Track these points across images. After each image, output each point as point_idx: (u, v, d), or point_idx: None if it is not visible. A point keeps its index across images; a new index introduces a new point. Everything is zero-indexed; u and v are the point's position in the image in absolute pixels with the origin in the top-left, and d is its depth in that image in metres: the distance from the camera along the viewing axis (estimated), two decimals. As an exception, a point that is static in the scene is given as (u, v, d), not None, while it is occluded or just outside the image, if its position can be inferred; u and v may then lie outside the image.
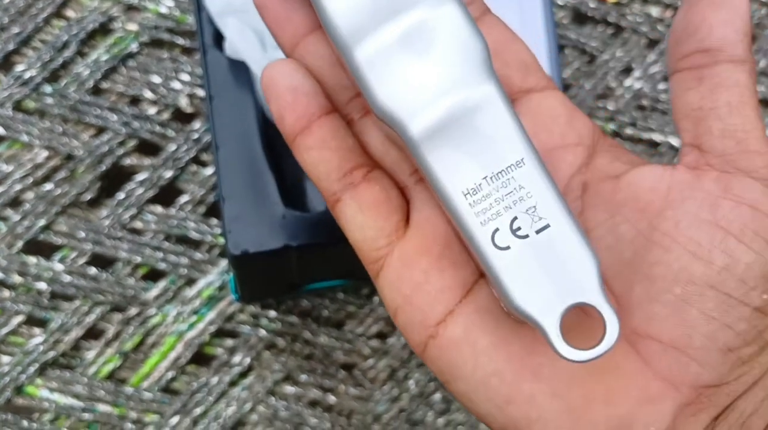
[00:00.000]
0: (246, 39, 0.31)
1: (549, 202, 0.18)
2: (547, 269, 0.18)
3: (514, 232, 0.18)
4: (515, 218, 0.18)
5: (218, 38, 0.33)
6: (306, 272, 0.32)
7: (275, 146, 0.31)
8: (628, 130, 0.40)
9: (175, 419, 0.36)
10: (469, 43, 0.18)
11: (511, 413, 0.19)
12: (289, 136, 0.20)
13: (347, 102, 0.20)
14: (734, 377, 0.18)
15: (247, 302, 0.36)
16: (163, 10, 0.40)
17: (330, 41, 0.19)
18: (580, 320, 0.18)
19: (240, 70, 0.32)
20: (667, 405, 0.18)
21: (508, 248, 0.18)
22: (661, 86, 0.40)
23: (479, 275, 0.20)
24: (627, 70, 0.41)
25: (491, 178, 0.18)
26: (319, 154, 0.20)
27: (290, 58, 0.20)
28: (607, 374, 0.19)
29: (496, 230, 0.18)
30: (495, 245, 0.18)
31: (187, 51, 0.40)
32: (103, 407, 0.35)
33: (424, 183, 0.20)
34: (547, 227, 0.18)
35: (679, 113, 0.20)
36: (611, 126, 0.40)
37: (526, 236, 0.18)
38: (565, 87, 0.40)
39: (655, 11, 0.41)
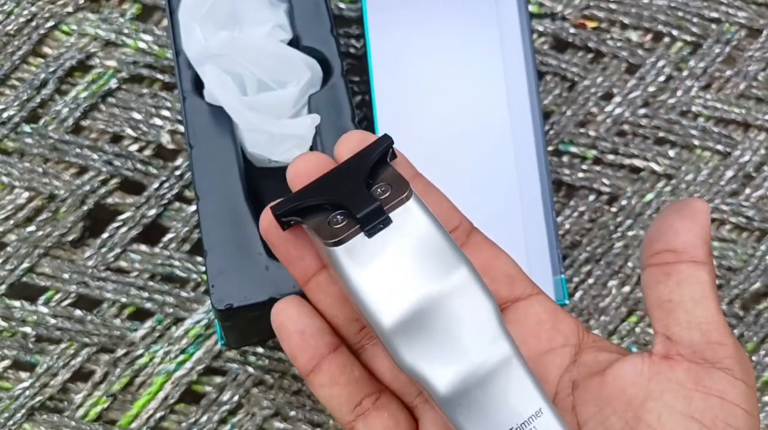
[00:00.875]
0: (224, 85, 0.31)
1: None
2: None
3: None
4: None
5: (198, 83, 0.32)
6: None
7: (258, 193, 0.31)
8: (610, 157, 0.40)
9: (165, 459, 0.36)
10: (482, 306, 0.21)
11: None
12: (302, 374, 0.23)
13: (356, 333, 0.23)
14: None
15: (234, 349, 0.36)
16: (142, 45, 0.40)
17: (339, 282, 0.21)
18: None
19: (221, 116, 0.31)
20: None
21: None
22: (642, 111, 0.41)
23: None
24: (607, 96, 0.41)
25: (516, 429, 0.20)
26: (330, 391, 0.22)
27: (304, 290, 0.23)
28: None
29: None
30: None
31: (167, 86, 0.40)
32: (92, 450, 0.36)
33: (431, 403, 0.22)
34: None
35: (651, 304, 0.22)
36: (593, 152, 0.40)
37: None
38: (546, 114, 0.40)
39: (634, 36, 0.42)
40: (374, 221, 0.20)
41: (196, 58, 0.32)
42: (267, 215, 0.22)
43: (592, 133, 0.40)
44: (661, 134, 0.40)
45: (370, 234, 0.20)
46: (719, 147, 0.40)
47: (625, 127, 0.40)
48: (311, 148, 0.32)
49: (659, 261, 0.22)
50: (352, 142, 0.22)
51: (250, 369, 0.37)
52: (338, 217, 0.21)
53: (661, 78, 0.41)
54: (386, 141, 0.22)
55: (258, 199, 0.32)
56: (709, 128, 0.41)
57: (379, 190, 0.21)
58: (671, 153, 0.40)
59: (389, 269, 0.20)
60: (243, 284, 0.29)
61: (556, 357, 0.22)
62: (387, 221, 0.21)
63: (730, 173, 0.40)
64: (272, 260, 0.30)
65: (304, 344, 0.22)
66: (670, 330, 0.22)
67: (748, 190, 0.40)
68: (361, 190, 0.21)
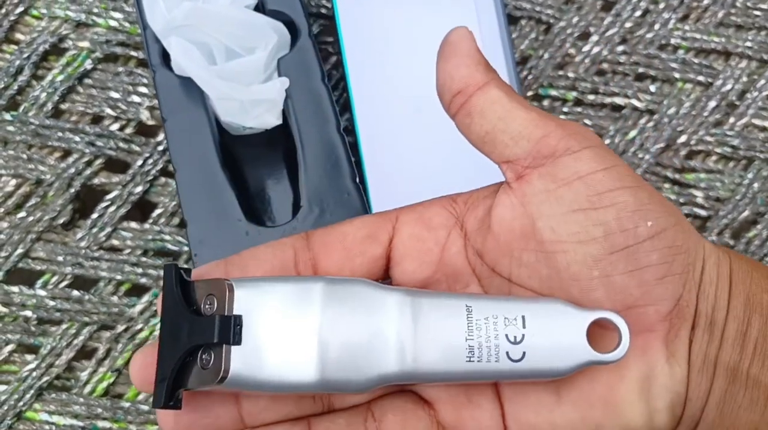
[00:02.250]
0: (190, 56, 0.31)
1: (509, 308, 0.21)
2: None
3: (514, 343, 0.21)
4: (507, 336, 0.21)
5: (166, 56, 0.32)
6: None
7: (234, 161, 0.32)
8: (590, 97, 0.40)
9: (173, 428, 0.37)
10: (361, 287, 0.21)
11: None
12: None
13: (312, 403, 0.23)
14: (685, 291, 0.22)
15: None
16: (113, 23, 0.40)
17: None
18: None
19: (191, 87, 0.31)
20: (658, 346, 0.22)
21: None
22: (620, 48, 0.40)
23: None
24: (584, 36, 0.40)
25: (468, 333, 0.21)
26: None
27: None
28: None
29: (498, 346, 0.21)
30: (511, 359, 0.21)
31: (142, 63, 0.40)
32: (102, 424, 0.37)
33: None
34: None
35: (478, 145, 0.23)
36: (573, 94, 0.40)
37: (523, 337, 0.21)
38: (524, 59, 0.40)
39: (608, -29, 0.41)
40: (229, 332, 0.20)
41: (161, 31, 0.32)
42: (165, 418, 0.22)
43: (571, 74, 0.40)
44: (640, 70, 0.40)
45: (237, 343, 0.20)
46: (701, 78, 0.40)
47: (604, 65, 0.40)
48: (283, 112, 0.32)
49: (456, 108, 0.23)
50: (143, 359, 0.22)
51: (248, 335, 0.37)
52: (203, 357, 0.20)
53: (638, 13, 0.40)
54: (170, 271, 0.21)
55: (235, 167, 0.32)
56: (690, 60, 0.40)
57: (206, 306, 0.21)
58: (652, 88, 0.40)
59: (278, 346, 0.20)
60: (224, 250, 0.29)
61: (452, 247, 0.23)
62: (238, 321, 0.20)
63: (713, 104, 0.40)
64: (252, 224, 0.30)
65: None
66: (504, 155, 0.22)
67: (732, 119, 0.40)
68: (195, 322, 0.20)
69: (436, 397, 0.23)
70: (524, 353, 0.21)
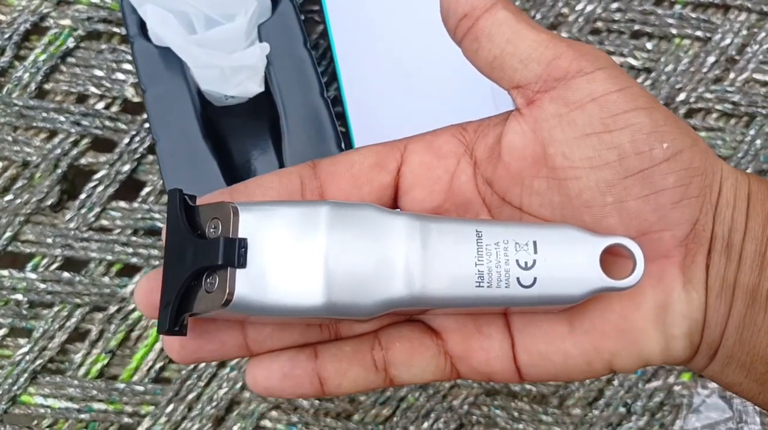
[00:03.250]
0: (168, 25, 0.30)
1: (520, 233, 0.21)
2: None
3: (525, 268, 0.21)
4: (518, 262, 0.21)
5: (143, 26, 0.32)
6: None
7: (218, 130, 0.31)
8: (585, 57, 0.39)
9: (170, 407, 0.36)
10: (366, 211, 0.21)
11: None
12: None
13: (320, 331, 0.23)
14: (701, 215, 0.21)
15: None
16: (94, 0, 0.39)
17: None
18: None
19: (171, 57, 0.31)
20: (675, 272, 0.21)
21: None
22: (614, 6, 0.39)
23: None
24: (577, -6, 0.39)
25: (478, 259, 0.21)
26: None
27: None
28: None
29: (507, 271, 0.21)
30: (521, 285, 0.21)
31: (125, 39, 0.39)
32: (98, 406, 0.36)
33: None
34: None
35: (485, 71, 0.22)
36: (567, 55, 0.39)
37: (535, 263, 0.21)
38: (516, 21, 0.39)
39: (600, -73, 0.40)
40: (234, 254, 0.20)
41: (138, 0, 0.31)
42: (171, 344, 0.21)
43: (565, 34, 0.39)
44: (636, 27, 0.39)
45: (242, 265, 0.20)
46: (698, 33, 0.39)
47: (599, 24, 0.39)
48: (266, 80, 0.31)
49: (462, 33, 0.22)
50: (148, 284, 0.21)
51: (242, 311, 0.37)
52: (207, 281, 0.20)
53: (632, -32, 0.39)
54: (175, 195, 0.21)
55: (218, 138, 0.31)
56: (687, 15, 0.39)
57: (211, 230, 0.20)
58: (649, 45, 0.39)
59: (283, 269, 0.20)
60: (207, 222, 0.29)
61: (461, 175, 0.22)
62: (243, 244, 0.20)
63: (711, 59, 0.38)
64: (235, 195, 0.29)
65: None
66: (514, 80, 0.21)
67: (732, 75, 0.39)
68: (200, 245, 0.20)
69: (444, 327, 0.22)
70: (535, 279, 0.20)
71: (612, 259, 0.21)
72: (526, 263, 0.20)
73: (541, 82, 0.21)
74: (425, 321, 0.23)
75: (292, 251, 0.20)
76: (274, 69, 0.31)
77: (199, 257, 0.20)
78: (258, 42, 0.31)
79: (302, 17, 0.33)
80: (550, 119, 0.21)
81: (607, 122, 0.21)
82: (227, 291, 0.20)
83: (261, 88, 0.31)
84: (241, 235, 0.20)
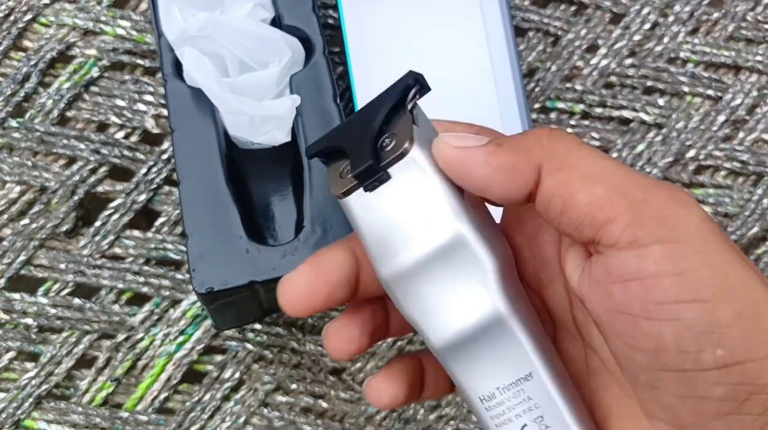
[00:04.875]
0: (202, 68, 0.30)
1: (555, 414, 0.20)
2: None
3: None
4: (525, 426, 0.20)
5: (179, 66, 0.32)
6: (276, 301, 0.32)
7: (240, 176, 0.31)
8: (598, 110, 0.39)
9: (172, 439, 0.36)
10: (479, 265, 0.20)
11: None
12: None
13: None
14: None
15: (223, 330, 0.36)
16: (120, 31, 0.40)
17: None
18: None
19: (202, 98, 0.31)
20: None
21: None
22: (628, 61, 0.40)
23: None
24: (592, 48, 0.40)
25: (503, 388, 0.20)
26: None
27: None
28: None
29: None
30: None
31: (148, 71, 0.40)
32: (101, 434, 0.36)
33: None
34: None
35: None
36: (580, 107, 0.39)
37: None
38: (531, 71, 0.40)
39: (616, -16, 0.41)
40: (370, 178, 0.20)
41: (176, 40, 0.32)
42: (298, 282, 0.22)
43: (578, 87, 0.40)
44: (649, 83, 0.40)
45: (368, 189, 0.20)
46: (710, 92, 0.40)
47: (612, 78, 0.40)
48: (292, 129, 0.32)
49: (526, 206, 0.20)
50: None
51: (249, 346, 0.37)
52: (347, 167, 0.21)
53: (647, 26, 0.40)
54: (406, 80, 0.20)
55: (240, 182, 0.32)
56: (699, 74, 0.40)
57: (384, 141, 0.20)
58: (661, 102, 0.39)
59: (387, 224, 0.20)
60: (223, 267, 0.29)
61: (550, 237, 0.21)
62: (384, 177, 0.20)
63: (722, 118, 0.39)
64: (252, 242, 0.30)
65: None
66: (576, 240, 0.19)
67: (741, 134, 0.39)
68: (364, 143, 0.20)
69: None
70: None
71: None
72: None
73: (593, 245, 0.19)
74: None
75: (400, 223, 0.21)
76: (303, 120, 0.31)
77: (353, 150, 0.20)
78: (288, 92, 0.32)
79: (335, 72, 0.34)
80: (586, 278, 0.19)
81: (650, 309, 0.17)
82: (344, 191, 0.20)
83: (288, 138, 0.31)
84: (393, 170, 0.20)
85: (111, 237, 0.38)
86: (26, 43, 0.40)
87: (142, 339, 0.37)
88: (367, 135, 0.20)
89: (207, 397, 0.37)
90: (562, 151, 0.19)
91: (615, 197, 0.18)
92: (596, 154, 0.19)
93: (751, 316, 0.17)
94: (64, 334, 0.37)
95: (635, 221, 0.18)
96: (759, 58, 0.40)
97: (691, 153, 0.39)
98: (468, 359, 0.21)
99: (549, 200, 0.19)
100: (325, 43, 0.33)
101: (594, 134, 0.39)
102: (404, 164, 0.20)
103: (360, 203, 0.20)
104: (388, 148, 0.20)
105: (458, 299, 0.20)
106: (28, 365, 0.37)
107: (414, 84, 0.21)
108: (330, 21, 0.40)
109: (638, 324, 0.18)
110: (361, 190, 0.20)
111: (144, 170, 0.39)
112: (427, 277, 0.20)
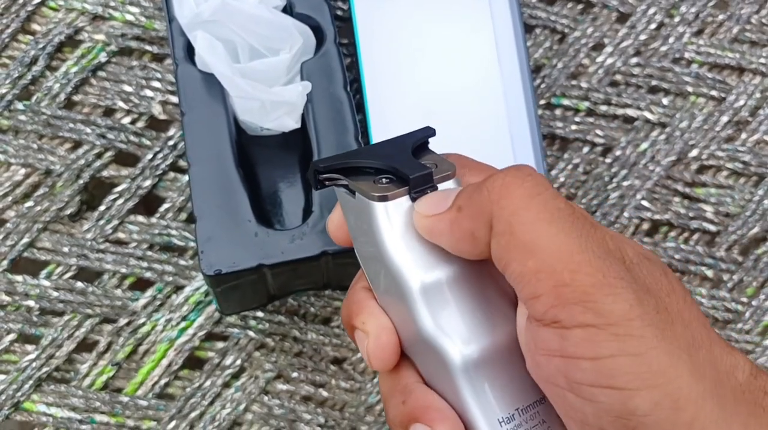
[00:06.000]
0: (215, 52, 0.30)
1: None
2: None
3: None
4: None
5: (190, 50, 0.32)
6: (283, 286, 0.32)
7: (250, 160, 0.31)
8: (602, 108, 0.40)
9: (172, 424, 0.36)
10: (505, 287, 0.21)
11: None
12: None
13: None
14: None
15: (228, 315, 0.37)
16: (129, 17, 0.40)
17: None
18: None
19: (213, 83, 0.31)
20: None
21: None
22: (634, 60, 0.40)
23: None
24: (598, 47, 0.40)
25: (522, 410, 0.21)
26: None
27: None
28: None
29: None
30: None
31: (156, 57, 0.40)
32: (100, 418, 0.36)
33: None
34: None
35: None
36: (585, 104, 0.40)
37: None
38: (537, 68, 0.40)
39: (624, -16, 0.41)
40: (423, 186, 0.21)
41: (188, 25, 0.32)
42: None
43: (584, 84, 0.40)
44: (654, 83, 0.40)
45: (414, 199, 0.21)
46: (713, 93, 0.40)
47: (618, 77, 0.40)
48: (302, 116, 0.32)
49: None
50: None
51: (251, 333, 0.37)
52: (383, 179, 0.21)
53: (653, 26, 0.41)
54: (429, 131, 0.23)
55: (249, 167, 0.32)
56: (703, 74, 0.40)
57: (426, 164, 0.22)
58: (665, 101, 0.40)
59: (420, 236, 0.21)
60: (232, 250, 0.29)
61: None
62: (433, 189, 0.21)
63: (725, 119, 0.40)
64: (261, 226, 0.30)
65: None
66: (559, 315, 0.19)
67: (744, 135, 0.40)
68: (411, 159, 0.22)
69: None
70: None
71: None
72: None
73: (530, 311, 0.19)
74: None
75: None
76: (313, 107, 0.31)
77: (400, 162, 0.21)
78: (299, 78, 0.32)
79: (345, 60, 0.34)
80: (525, 345, 0.20)
81: (573, 386, 0.18)
82: (385, 195, 0.21)
83: (297, 125, 0.32)
84: (440, 187, 0.22)
85: (115, 222, 0.38)
86: (34, 26, 0.40)
87: (144, 324, 0.37)
88: (408, 155, 0.22)
89: (208, 383, 0.37)
90: (507, 212, 0.19)
91: (543, 274, 0.18)
92: (541, 217, 0.19)
93: (669, 406, 0.17)
94: (66, 317, 0.37)
95: (559, 303, 0.18)
96: (763, 60, 0.40)
97: (694, 153, 0.39)
98: (489, 379, 0.20)
99: (495, 260, 0.20)
100: (336, 31, 0.33)
101: (598, 132, 0.39)
102: (448, 186, 0.22)
103: (398, 211, 0.21)
104: (433, 168, 0.22)
105: (486, 319, 0.21)
106: (29, 347, 0.37)
107: (433, 134, 0.23)
108: (339, 13, 0.40)
109: (565, 396, 0.18)
110: (405, 197, 0.21)
111: (150, 156, 0.39)
112: (456, 294, 0.21)
